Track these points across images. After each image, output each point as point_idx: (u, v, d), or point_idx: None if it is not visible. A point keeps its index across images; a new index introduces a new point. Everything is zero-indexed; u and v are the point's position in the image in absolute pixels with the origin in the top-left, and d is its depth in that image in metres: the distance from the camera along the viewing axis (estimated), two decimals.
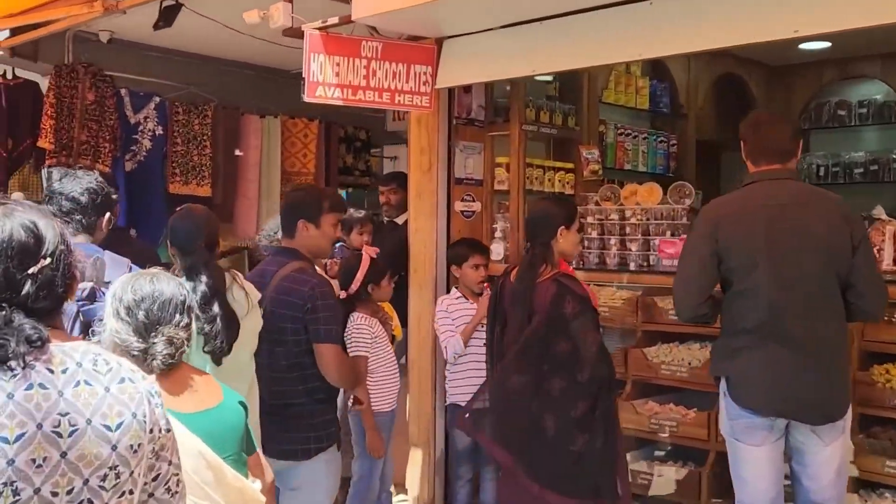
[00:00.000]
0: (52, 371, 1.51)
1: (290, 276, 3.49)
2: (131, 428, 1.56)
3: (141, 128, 7.01)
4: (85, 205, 3.14)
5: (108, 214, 3.22)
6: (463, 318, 4.60)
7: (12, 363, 1.47)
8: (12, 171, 6.77)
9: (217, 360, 3.24)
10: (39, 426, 1.47)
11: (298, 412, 3.48)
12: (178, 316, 2.32)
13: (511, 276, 3.82)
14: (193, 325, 2.46)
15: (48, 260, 1.55)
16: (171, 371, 2.32)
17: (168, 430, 1.66)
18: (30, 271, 1.53)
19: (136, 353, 2.25)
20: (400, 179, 6.28)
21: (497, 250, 4.79)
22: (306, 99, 4.36)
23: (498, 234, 5.00)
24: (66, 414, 1.49)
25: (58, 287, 1.58)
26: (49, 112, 6.28)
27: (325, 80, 4.31)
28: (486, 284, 4.57)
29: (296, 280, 3.47)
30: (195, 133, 7.24)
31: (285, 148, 7.94)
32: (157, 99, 7.04)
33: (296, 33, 4.47)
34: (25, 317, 1.51)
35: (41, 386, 1.49)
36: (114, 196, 3.29)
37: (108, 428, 1.53)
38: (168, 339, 2.28)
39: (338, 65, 4.33)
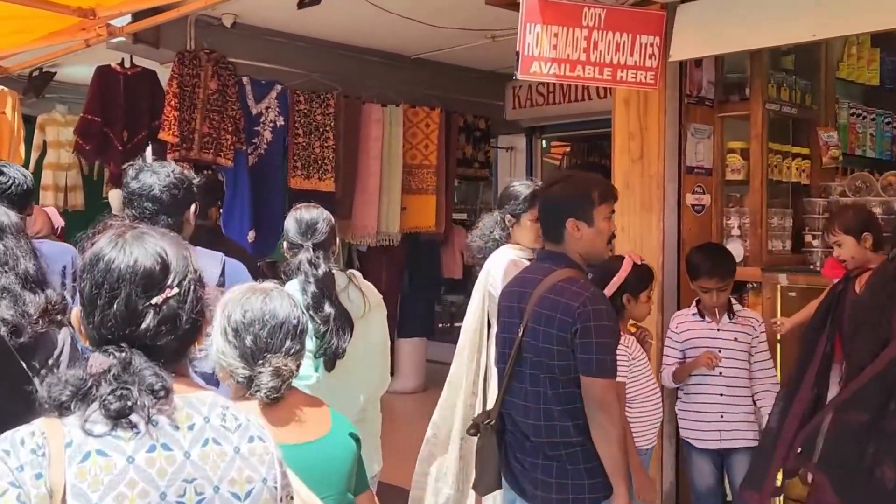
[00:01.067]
0: (177, 427, 1.36)
1: (557, 286, 2.83)
2: (261, 497, 1.42)
3: (263, 118, 6.44)
4: (167, 202, 2.83)
5: (193, 206, 2.94)
6: (694, 340, 3.83)
7: (134, 418, 1.31)
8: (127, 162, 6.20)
9: (329, 366, 3.07)
10: (163, 496, 1.31)
11: (572, 455, 2.83)
12: (288, 342, 2.10)
13: (856, 283, 3.14)
14: (307, 347, 2.28)
15: (174, 290, 1.40)
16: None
17: (292, 498, 1.51)
18: (153, 301, 1.38)
19: (240, 380, 2.09)
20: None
21: (735, 250, 4.05)
22: (520, 76, 3.71)
23: (735, 231, 4.27)
24: (193, 480, 1.34)
25: (183, 323, 1.41)
26: (172, 102, 5.71)
27: (542, 53, 3.65)
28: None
29: (564, 292, 2.80)
30: (317, 123, 6.66)
31: (405, 139, 7.30)
32: (279, 87, 6.47)
33: (501, 1, 3.82)
34: (146, 360, 1.35)
35: (165, 447, 1.34)
36: (195, 187, 2.97)
37: (237, 497, 1.39)
38: (275, 371, 2.06)
39: (555, 36, 3.67)
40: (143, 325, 1.36)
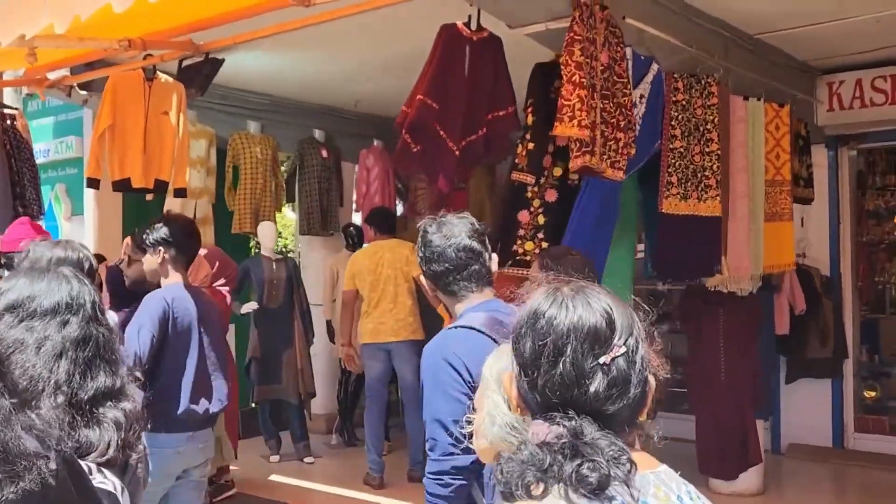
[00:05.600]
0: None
1: None
2: None
3: (636, 111, 4.42)
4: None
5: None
6: None
7: (611, 491, 1.19)
8: (463, 173, 4.20)
9: None
10: None
11: None
12: None
13: None
14: None
15: (622, 349, 1.27)
16: None
17: None
18: (601, 360, 1.26)
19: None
20: None
21: None
22: None
23: None
24: None
25: (632, 387, 1.27)
26: (576, 78, 3.69)
27: None
28: None
29: None
30: (697, 121, 4.67)
31: None
32: (657, 67, 4.46)
33: None
34: (598, 428, 1.23)
35: None
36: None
37: None
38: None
39: None
40: (592, 388, 1.25)
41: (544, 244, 4.40)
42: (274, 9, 4.18)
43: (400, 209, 8.68)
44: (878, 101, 6.36)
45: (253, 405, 6.77)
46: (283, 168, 7.73)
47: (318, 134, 7.71)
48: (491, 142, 4.12)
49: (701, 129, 4.69)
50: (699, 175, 4.67)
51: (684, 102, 4.63)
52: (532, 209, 4.40)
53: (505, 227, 4.45)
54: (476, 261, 2.41)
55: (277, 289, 6.53)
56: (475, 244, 2.42)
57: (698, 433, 5.59)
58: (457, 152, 3.97)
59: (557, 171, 4.45)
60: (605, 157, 3.92)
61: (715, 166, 4.70)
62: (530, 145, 4.35)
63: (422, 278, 2.51)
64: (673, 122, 4.58)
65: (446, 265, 2.39)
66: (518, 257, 4.37)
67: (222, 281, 5.62)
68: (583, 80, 3.74)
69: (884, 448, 6.53)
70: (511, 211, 4.43)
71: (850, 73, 6.46)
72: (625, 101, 4.09)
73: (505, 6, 3.89)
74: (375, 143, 8.24)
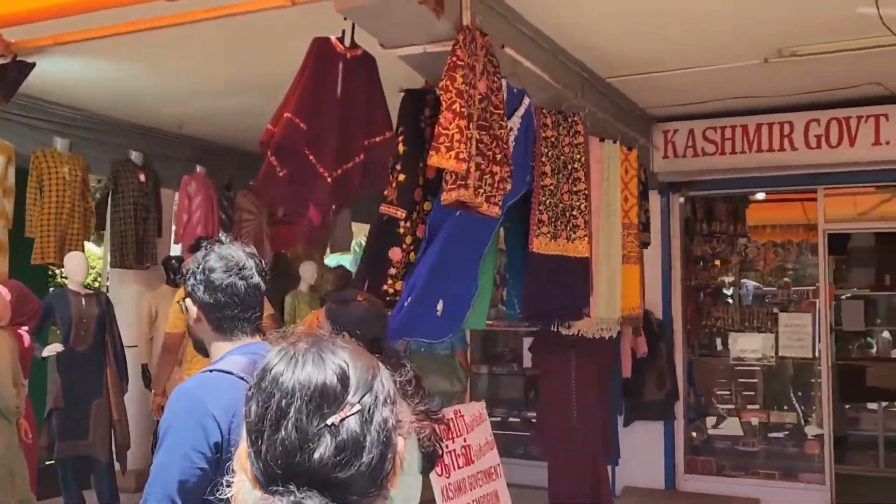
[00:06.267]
0: None
1: None
2: None
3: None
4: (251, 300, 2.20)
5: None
6: None
7: None
8: (339, 204, 3.83)
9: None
10: None
11: None
12: None
13: None
14: None
15: (356, 407, 1.12)
16: None
17: None
18: (328, 421, 1.10)
19: None
20: None
21: None
22: None
23: None
24: None
25: (367, 451, 1.11)
26: (455, 107, 3.48)
27: None
28: None
29: None
30: (565, 159, 4.59)
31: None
32: (528, 101, 4.33)
33: None
34: (325, 501, 1.08)
35: None
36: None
37: None
38: None
39: None
40: (318, 454, 1.09)
41: None
42: (126, 5, 3.63)
43: None
44: (709, 150, 6.64)
45: (52, 462, 5.85)
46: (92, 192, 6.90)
47: (134, 156, 6.97)
48: (368, 170, 3.76)
49: (569, 167, 4.58)
50: (567, 214, 4.55)
51: (553, 139, 4.50)
52: (404, 246, 4.08)
53: (373, 265, 4.09)
54: (259, 302, 2.21)
55: (87, 328, 5.72)
56: (262, 284, 2.19)
57: (550, 479, 5.43)
58: (329, 180, 3.57)
59: (427, 206, 4.17)
60: (481, 190, 3.67)
61: (583, 205, 4.60)
62: (401, 176, 4.04)
63: (187, 302, 2.18)
64: (543, 159, 4.44)
65: (231, 298, 2.13)
66: (388, 297, 4.02)
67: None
68: (463, 108, 3.49)
69: (712, 489, 6.72)
70: (380, 247, 4.08)
71: (684, 123, 6.71)
72: (501, 133, 3.88)
73: (382, 24, 3.57)
74: (199, 168, 7.59)
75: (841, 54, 5.03)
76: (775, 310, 7.13)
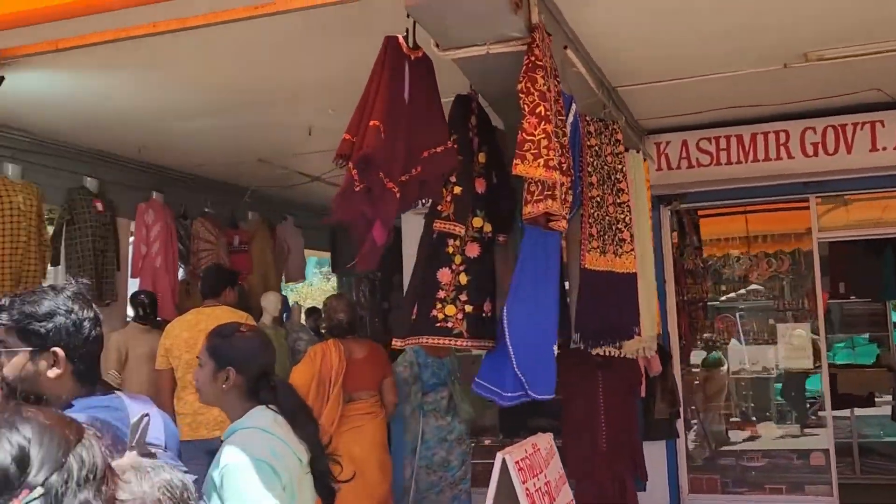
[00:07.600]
0: None
1: None
2: None
3: None
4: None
5: None
6: None
7: None
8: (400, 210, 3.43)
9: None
10: None
11: None
12: None
13: None
14: None
15: (39, 491, 1.03)
16: None
17: None
18: None
19: None
20: None
21: None
22: None
23: None
24: None
25: None
26: (540, 110, 3.15)
27: None
28: None
29: None
30: (609, 169, 4.32)
31: None
32: (575, 107, 4.05)
33: None
34: None
35: None
36: None
37: None
38: None
39: None
40: None
41: (468, 307, 3.70)
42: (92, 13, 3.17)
43: (181, 273, 7.44)
44: (703, 161, 6.51)
45: None
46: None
47: (90, 183, 6.34)
48: (425, 183, 3.37)
49: (612, 177, 4.31)
50: (614, 228, 4.26)
51: (597, 148, 4.23)
52: (453, 266, 3.70)
53: (421, 289, 3.69)
54: None
55: None
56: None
57: None
58: (396, 193, 3.16)
59: (478, 222, 3.81)
60: (564, 202, 3.35)
61: (628, 218, 4.34)
62: (457, 189, 3.67)
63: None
64: (589, 169, 4.15)
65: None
66: (438, 324, 3.63)
67: None
68: (548, 112, 3.17)
69: None
70: (429, 269, 3.69)
71: (676, 134, 6.57)
72: (565, 140, 3.58)
73: (449, 20, 3.20)
74: (155, 195, 7.01)
75: (850, 59, 4.96)
76: (771, 320, 7.05)
